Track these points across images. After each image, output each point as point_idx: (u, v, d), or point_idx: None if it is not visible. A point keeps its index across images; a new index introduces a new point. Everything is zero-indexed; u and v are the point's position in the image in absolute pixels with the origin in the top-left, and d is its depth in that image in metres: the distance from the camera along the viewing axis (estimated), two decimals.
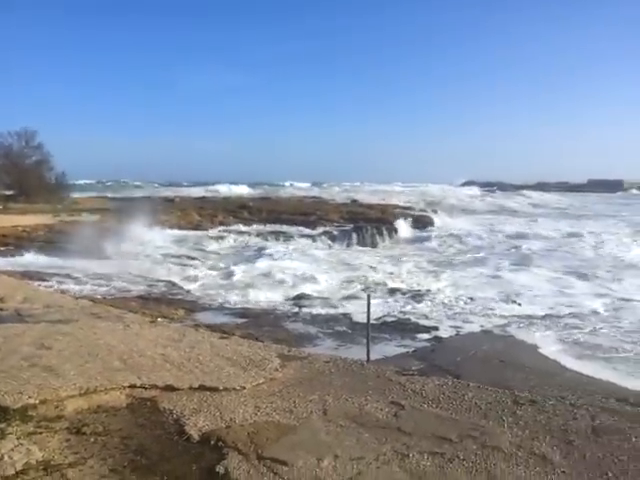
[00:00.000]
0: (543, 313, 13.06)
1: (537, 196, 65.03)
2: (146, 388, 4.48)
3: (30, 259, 18.51)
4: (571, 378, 7.05)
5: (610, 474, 3.29)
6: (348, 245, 27.83)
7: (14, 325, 6.40)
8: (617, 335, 10.63)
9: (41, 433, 3.65)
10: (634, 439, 3.75)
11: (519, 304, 14.08)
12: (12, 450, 3.31)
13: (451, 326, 11.63)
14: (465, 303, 14.14)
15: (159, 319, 9.43)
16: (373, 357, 7.75)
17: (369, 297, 7.87)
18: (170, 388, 4.48)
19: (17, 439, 3.48)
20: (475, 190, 76.71)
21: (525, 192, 69.96)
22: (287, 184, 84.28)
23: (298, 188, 73.37)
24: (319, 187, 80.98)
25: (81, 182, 67.44)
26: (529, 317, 12.64)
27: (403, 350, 9.16)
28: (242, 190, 64.24)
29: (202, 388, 4.51)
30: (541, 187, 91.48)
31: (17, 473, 3.09)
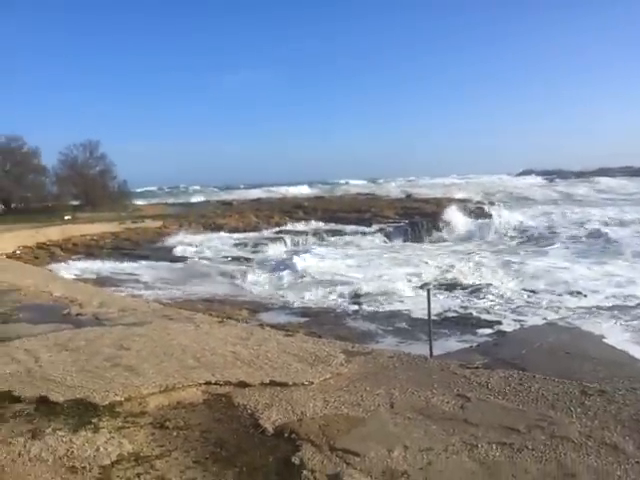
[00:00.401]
0: (610, 304, 12.70)
1: (605, 181, 61.87)
2: (220, 385, 4.72)
3: (100, 265, 19.47)
4: None
5: None
6: (405, 241, 27.79)
7: (93, 329, 6.83)
8: None
9: (128, 428, 3.94)
10: None
11: (585, 295, 13.73)
12: (106, 442, 3.61)
13: (515, 320, 11.51)
14: (528, 296, 13.91)
15: (225, 319, 9.80)
16: (436, 353, 7.81)
17: (429, 292, 7.93)
18: (243, 384, 4.71)
19: (109, 433, 3.78)
20: (535, 179, 74.09)
21: (593, 178, 66.50)
22: (342, 182, 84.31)
23: (354, 185, 73.34)
24: (375, 183, 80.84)
25: (142, 189, 69.95)
26: (597, 308, 12.33)
27: (465, 345, 9.16)
28: (303, 190, 64.99)
29: (272, 384, 4.72)
30: (604, 172, 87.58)
31: (112, 463, 3.37)
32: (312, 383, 4.75)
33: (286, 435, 3.81)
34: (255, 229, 31.32)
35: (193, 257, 22.15)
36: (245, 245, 25.09)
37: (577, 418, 3.91)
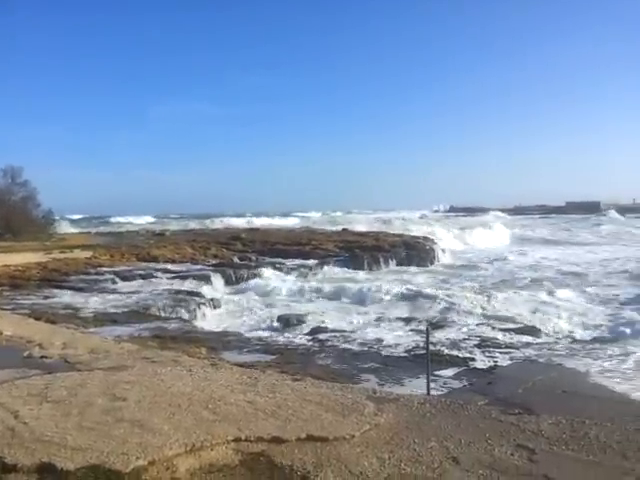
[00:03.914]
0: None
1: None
2: (251, 441, 4.16)
3: (34, 299, 17.88)
4: None
5: None
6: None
7: (69, 374, 6.01)
8: None
9: None
10: None
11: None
12: None
13: (487, 356, 11.47)
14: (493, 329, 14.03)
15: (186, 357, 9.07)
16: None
17: (428, 330, 7.66)
18: (277, 440, 4.17)
19: None
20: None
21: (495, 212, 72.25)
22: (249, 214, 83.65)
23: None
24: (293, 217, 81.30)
25: (70, 217, 66.59)
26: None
27: (454, 384, 8.94)
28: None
29: (310, 438, 4.21)
30: (521, 211, 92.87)
31: None
32: (353, 437, 4.29)
33: None
34: (192, 261, 30.20)
35: (133, 290, 20.85)
36: (186, 278, 23.98)
37: None
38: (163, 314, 17.38)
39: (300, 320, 15.78)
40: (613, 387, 8.05)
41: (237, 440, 4.16)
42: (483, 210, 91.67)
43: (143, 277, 23.97)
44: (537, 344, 12.57)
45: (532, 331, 13.85)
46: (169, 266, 27.84)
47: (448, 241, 39.43)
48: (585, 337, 13.46)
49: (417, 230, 42.55)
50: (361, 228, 45.85)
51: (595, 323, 14.93)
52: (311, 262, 28.78)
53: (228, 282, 24.18)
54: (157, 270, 26.34)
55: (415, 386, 8.44)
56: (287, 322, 15.64)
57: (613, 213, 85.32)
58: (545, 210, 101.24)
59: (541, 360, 10.21)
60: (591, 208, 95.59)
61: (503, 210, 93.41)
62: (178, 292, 21.00)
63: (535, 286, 21.41)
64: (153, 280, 23.78)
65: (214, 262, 29.66)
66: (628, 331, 13.33)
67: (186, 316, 17.21)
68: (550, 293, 19.21)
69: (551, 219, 77.74)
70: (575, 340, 13.10)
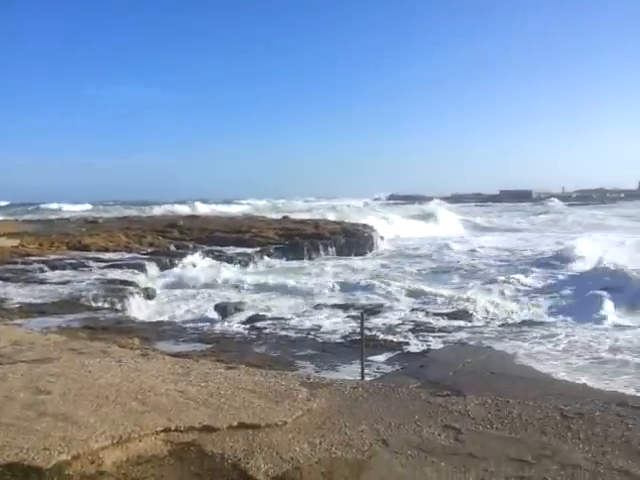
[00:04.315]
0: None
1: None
2: (182, 431, 4.08)
3: None
4: (566, 386, 7.25)
5: None
6: (288, 260, 27.73)
7: None
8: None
9: None
10: None
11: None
12: None
13: (421, 340, 11.76)
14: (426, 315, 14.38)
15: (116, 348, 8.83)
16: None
17: (362, 316, 7.75)
18: (208, 429, 4.11)
19: None
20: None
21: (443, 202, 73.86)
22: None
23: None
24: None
25: None
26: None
27: (387, 368, 9.11)
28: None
29: (242, 426, 4.18)
30: (458, 199, 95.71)
31: None
32: (285, 423, 4.28)
33: None
34: (126, 249, 29.32)
35: (64, 280, 20.02)
36: (120, 267, 23.26)
37: (574, 444, 3.89)
38: (95, 304, 16.79)
39: (238, 309, 15.64)
40: (538, 368, 8.44)
41: (166, 430, 4.07)
42: (422, 198, 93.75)
43: (74, 266, 23.05)
44: (468, 328, 13.00)
45: (464, 316, 14.31)
46: (102, 255, 26.96)
47: (390, 229, 40.01)
48: (514, 321, 14.03)
49: (363, 219, 42.67)
50: (304, 216, 45.79)
51: (524, 307, 15.62)
52: (251, 250, 28.57)
53: (164, 271, 23.67)
54: (89, 259, 25.41)
55: (350, 371, 8.55)
56: (224, 311, 15.45)
57: (556, 202, 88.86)
58: (481, 198, 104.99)
59: (472, 343, 10.58)
60: (524, 196, 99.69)
61: (441, 198, 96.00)
62: (111, 282, 20.34)
63: (470, 273, 22.12)
64: (85, 269, 22.93)
65: (149, 250, 28.95)
66: (555, 314, 14.01)
67: (119, 306, 16.72)
68: (484, 279, 19.92)
69: (491, 207, 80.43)
70: (504, 324, 13.63)
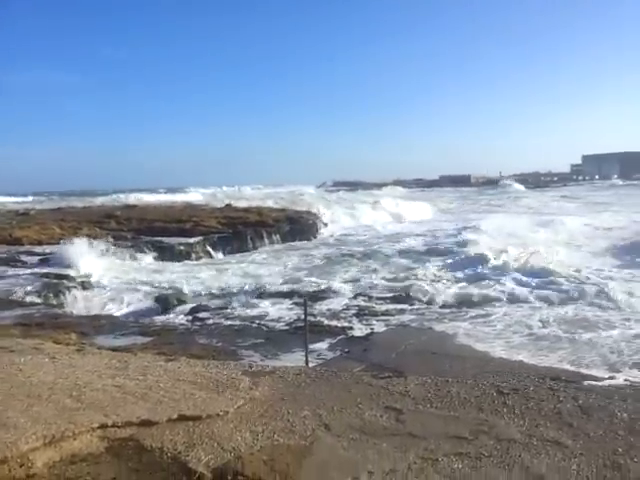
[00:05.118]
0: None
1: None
2: (119, 427, 3.95)
3: None
4: (503, 363, 7.50)
5: (620, 450, 3.50)
6: (230, 252, 27.32)
7: None
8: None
9: None
10: (619, 413, 4.04)
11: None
12: None
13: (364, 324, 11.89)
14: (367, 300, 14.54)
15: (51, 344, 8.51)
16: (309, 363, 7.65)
17: (305, 302, 7.75)
18: (147, 423, 4.00)
19: None
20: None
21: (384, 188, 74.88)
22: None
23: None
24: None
25: None
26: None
27: (330, 353, 9.16)
28: None
29: (182, 418, 4.09)
30: (400, 184, 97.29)
31: None
32: (227, 413, 4.23)
33: (230, 478, 3.29)
34: (61, 242, 28.17)
35: None
36: (55, 260, 22.32)
37: (509, 418, 4.02)
38: (29, 299, 16.07)
39: (180, 300, 15.35)
40: (476, 347, 8.69)
41: (103, 427, 3.94)
42: (365, 184, 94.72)
43: (5, 261, 21.98)
44: (410, 310, 13.22)
45: (406, 299, 14.54)
46: (35, 248, 25.81)
47: (337, 216, 39.77)
48: (453, 302, 14.37)
49: (311, 206, 42.14)
50: (255, 203, 44.90)
51: (461, 288, 16.01)
52: (192, 240, 28.00)
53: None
54: (21, 253, 24.29)
55: (294, 358, 8.54)
56: (166, 302, 15.13)
57: (514, 184, 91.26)
58: (422, 183, 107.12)
59: (413, 325, 10.78)
60: (462, 181, 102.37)
61: (385, 184, 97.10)
62: (45, 275, 19.53)
63: (413, 256, 22.48)
64: (17, 264, 21.91)
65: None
66: (493, 295, 14.46)
67: (55, 301, 16.07)
68: (422, 261, 20.31)
69: (448, 192, 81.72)
70: (445, 305, 13.94)
